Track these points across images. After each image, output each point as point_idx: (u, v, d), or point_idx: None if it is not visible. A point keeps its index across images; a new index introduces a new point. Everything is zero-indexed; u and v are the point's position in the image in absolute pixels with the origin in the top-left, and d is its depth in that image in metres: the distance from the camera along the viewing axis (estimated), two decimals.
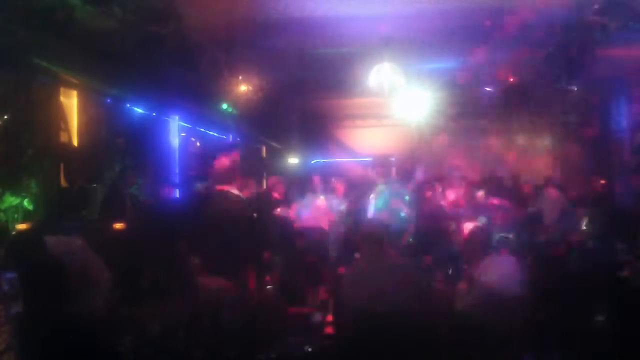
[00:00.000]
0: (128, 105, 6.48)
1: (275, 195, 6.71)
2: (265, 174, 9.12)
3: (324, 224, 6.60)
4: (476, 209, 6.02)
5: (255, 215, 4.99)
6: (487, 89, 9.01)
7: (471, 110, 10.97)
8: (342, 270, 4.67)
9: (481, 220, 5.08)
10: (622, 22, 4.91)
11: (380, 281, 3.36)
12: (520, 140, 12.45)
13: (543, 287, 4.04)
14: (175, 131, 8.01)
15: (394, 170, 5.95)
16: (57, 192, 5.44)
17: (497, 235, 5.21)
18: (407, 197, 5.48)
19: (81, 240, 3.68)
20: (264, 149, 11.56)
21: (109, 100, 6.22)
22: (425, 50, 6.60)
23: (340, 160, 12.37)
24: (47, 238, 3.42)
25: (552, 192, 9.00)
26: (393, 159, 11.64)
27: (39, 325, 2.57)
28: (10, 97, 5.01)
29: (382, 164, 5.74)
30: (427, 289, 3.73)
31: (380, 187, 5.42)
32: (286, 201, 6.76)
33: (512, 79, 8.42)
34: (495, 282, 3.62)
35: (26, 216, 4.94)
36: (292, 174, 9.66)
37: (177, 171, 7.93)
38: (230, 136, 9.72)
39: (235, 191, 4.33)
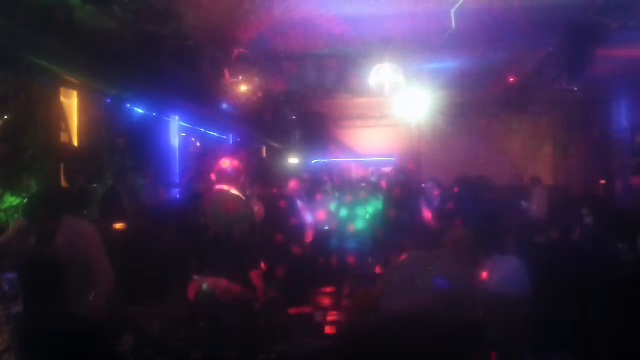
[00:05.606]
0: (128, 105, 6.47)
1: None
2: (265, 174, 9.08)
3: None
4: None
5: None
6: (487, 89, 9.02)
7: (470, 110, 10.99)
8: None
9: None
10: (622, 22, 4.91)
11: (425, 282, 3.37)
12: (519, 140, 12.44)
13: (541, 287, 4.03)
14: (175, 131, 8.01)
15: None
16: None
17: None
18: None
19: (93, 227, 3.70)
20: (264, 149, 11.55)
21: (109, 100, 6.21)
22: (425, 50, 6.61)
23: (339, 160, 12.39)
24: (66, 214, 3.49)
25: (540, 191, 9.05)
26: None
27: (39, 320, 2.56)
28: (10, 97, 5.01)
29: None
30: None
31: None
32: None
33: (512, 79, 8.44)
34: (497, 283, 3.63)
35: None
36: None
37: (177, 171, 7.93)
38: (230, 136, 9.72)
39: (234, 191, 4.32)
